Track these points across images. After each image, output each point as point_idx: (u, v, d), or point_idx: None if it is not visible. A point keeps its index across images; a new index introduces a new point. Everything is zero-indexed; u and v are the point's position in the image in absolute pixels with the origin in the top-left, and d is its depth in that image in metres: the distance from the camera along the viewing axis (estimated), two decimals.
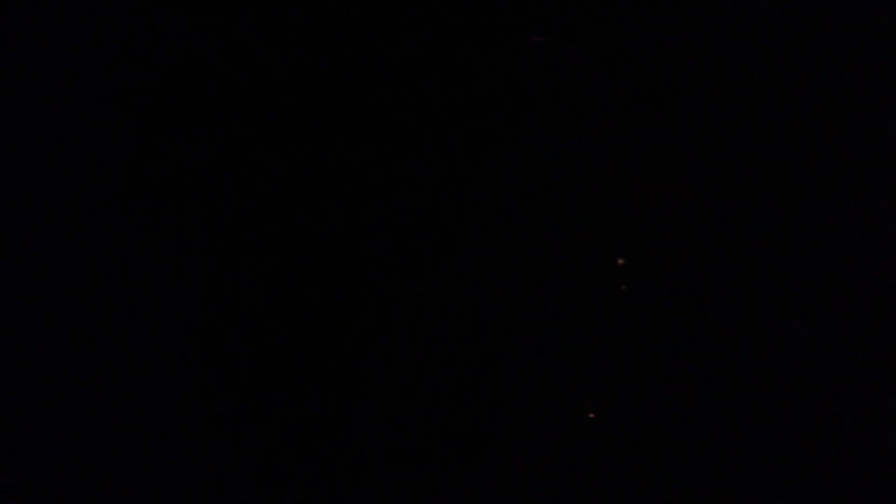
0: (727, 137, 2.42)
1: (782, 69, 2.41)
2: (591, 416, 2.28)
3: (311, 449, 2.25)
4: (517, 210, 2.41)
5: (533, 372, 2.34)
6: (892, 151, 2.35)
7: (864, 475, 2.23)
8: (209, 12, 2.32)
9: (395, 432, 2.27)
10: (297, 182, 2.37)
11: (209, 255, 2.30)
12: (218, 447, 2.22)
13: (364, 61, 2.40)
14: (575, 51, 2.40)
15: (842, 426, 2.28)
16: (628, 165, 2.43)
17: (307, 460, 2.24)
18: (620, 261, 2.35)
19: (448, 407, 2.31)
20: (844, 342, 2.32)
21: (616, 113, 2.44)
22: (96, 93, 2.29)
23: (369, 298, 2.35)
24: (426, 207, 2.41)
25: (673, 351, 2.36)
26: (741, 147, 2.41)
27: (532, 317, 2.36)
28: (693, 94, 2.44)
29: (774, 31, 2.41)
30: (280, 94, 2.36)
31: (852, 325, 2.32)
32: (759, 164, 2.41)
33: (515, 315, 2.36)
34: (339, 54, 2.39)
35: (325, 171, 2.39)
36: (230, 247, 2.32)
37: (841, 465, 2.25)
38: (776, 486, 2.25)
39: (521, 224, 2.40)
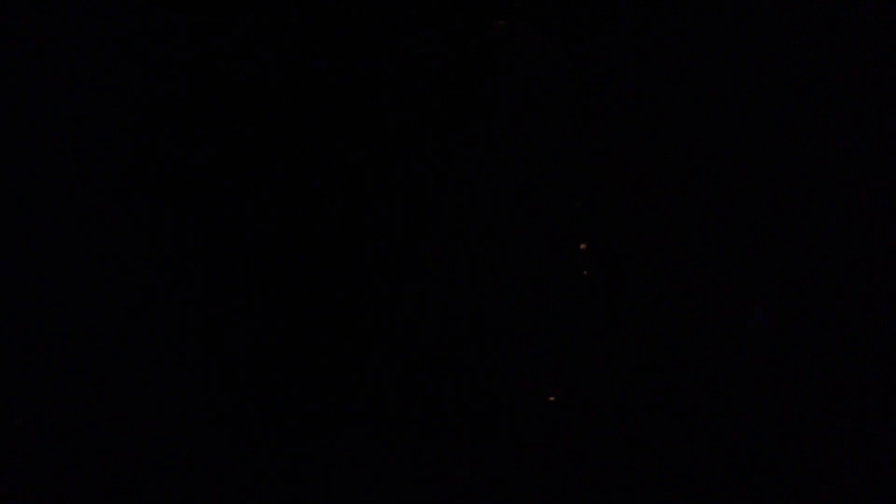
0: (709, 132, 2.43)
1: (780, 69, 2.41)
2: (551, 399, 2.31)
3: (302, 448, 2.26)
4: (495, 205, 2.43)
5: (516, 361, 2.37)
6: (887, 151, 2.35)
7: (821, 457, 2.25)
8: (209, 12, 2.32)
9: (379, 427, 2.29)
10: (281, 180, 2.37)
11: (202, 257, 2.31)
12: (217, 447, 2.23)
13: (355, 61, 2.41)
14: (562, 45, 2.41)
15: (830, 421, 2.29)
16: (611, 162, 2.44)
17: (298, 460, 2.25)
18: (583, 245, 2.38)
19: (431, 401, 2.33)
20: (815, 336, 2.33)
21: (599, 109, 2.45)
22: (96, 93, 2.29)
23: (352, 296, 2.36)
24: (414, 203, 2.42)
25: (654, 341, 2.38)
26: (721, 141, 2.42)
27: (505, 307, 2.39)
28: (685, 92, 2.45)
29: (773, 31, 2.41)
30: (272, 95, 2.37)
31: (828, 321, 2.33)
32: (744, 160, 2.42)
33: (493, 308, 2.39)
34: (338, 55, 2.40)
35: (312, 169, 2.39)
36: (222, 247, 2.33)
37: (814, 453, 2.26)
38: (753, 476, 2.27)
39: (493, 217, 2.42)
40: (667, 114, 2.43)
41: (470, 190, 2.41)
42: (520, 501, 2.27)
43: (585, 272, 2.39)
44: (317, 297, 2.34)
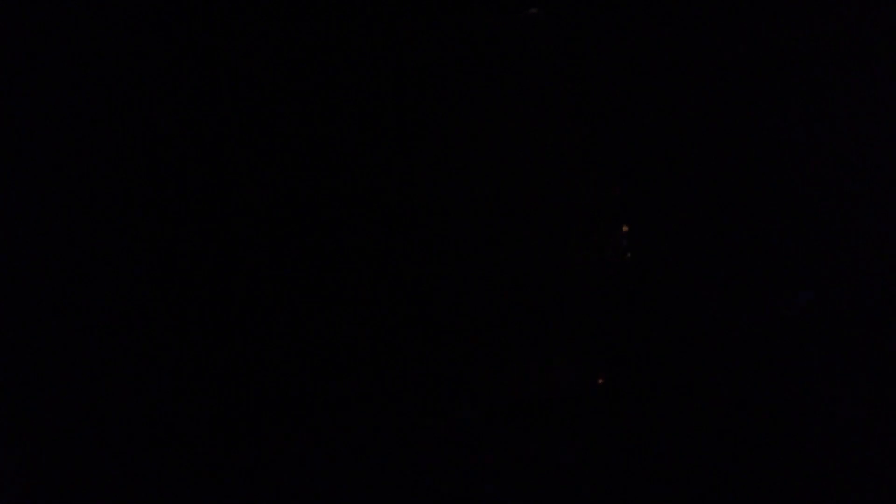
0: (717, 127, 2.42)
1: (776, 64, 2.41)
2: (600, 381, 2.29)
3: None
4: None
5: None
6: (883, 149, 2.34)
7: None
8: (208, 13, 2.34)
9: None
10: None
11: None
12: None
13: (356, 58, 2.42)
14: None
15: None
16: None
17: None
18: (625, 227, 2.37)
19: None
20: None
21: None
22: (96, 93, 2.31)
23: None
24: (452, 187, 2.41)
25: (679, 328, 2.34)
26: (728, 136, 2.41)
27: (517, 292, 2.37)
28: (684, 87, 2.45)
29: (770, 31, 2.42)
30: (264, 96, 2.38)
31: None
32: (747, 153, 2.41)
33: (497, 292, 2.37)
34: (340, 55, 2.41)
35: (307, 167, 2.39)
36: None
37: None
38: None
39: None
40: (709, 98, 2.42)
41: (510, 177, 2.40)
42: (570, 482, 2.24)
43: (628, 255, 2.39)
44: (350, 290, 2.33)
